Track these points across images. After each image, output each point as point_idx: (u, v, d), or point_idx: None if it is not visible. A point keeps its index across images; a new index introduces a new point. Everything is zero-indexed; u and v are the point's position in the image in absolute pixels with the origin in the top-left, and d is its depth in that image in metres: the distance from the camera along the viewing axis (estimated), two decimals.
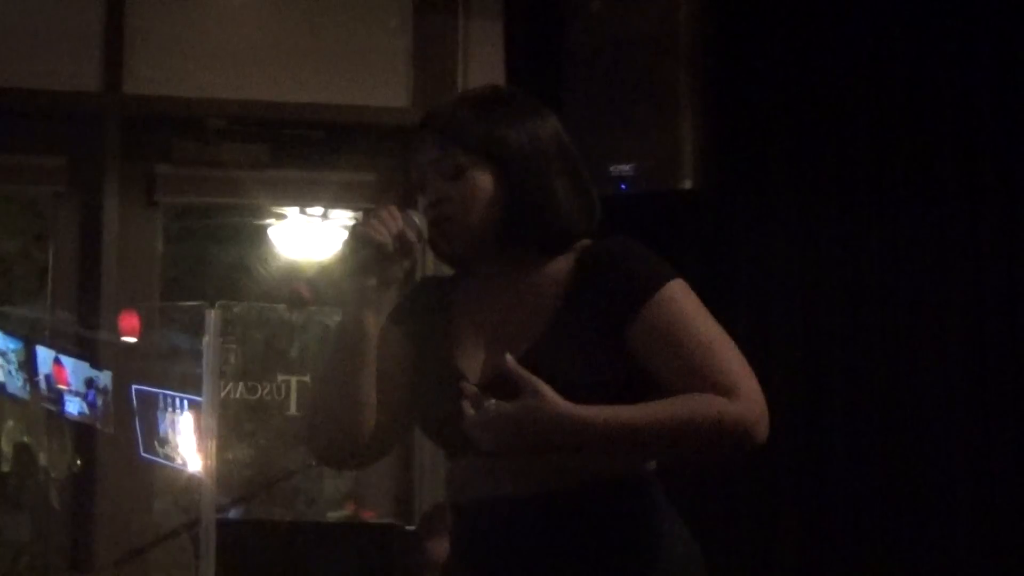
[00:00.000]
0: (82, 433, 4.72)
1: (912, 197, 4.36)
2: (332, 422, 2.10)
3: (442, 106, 2.18)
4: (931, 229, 4.34)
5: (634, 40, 4.35)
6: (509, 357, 1.92)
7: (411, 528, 4.37)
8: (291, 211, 5.65)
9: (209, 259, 7.03)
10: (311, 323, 5.23)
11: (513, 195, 2.09)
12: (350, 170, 4.99)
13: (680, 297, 2.03)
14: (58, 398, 4.58)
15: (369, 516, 4.75)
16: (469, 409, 1.92)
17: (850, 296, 4.43)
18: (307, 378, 5.04)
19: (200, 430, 4.19)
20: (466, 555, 2.09)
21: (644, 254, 2.06)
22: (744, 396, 1.96)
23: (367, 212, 4.99)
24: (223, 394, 4.81)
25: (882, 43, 4.44)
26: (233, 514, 4.70)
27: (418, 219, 2.09)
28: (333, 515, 5.36)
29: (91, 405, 4.55)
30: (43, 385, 4.57)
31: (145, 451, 4.50)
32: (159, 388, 4.51)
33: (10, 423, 5.90)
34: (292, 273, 5.99)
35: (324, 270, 2.07)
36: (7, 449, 5.97)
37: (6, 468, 5.90)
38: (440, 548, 3.94)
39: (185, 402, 4.31)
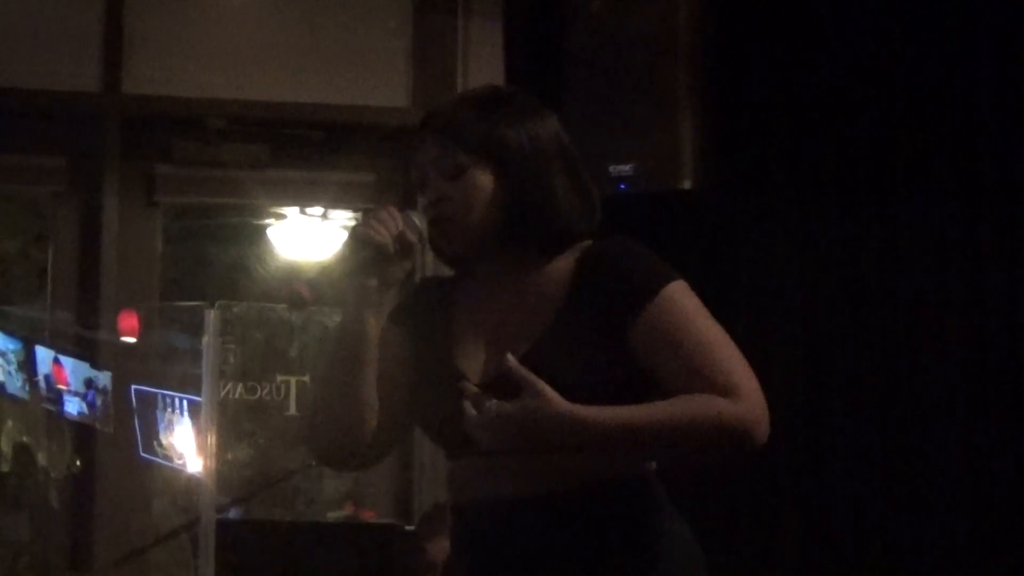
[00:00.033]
0: (81, 433, 4.72)
1: (912, 197, 4.36)
2: (333, 423, 2.10)
3: (442, 106, 2.17)
4: (931, 229, 4.34)
5: (634, 40, 4.35)
6: (510, 357, 1.92)
7: (410, 528, 4.37)
8: (291, 211, 5.66)
9: (209, 259, 7.03)
10: (311, 323, 5.22)
11: (513, 195, 2.09)
12: (350, 170, 4.99)
13: (681, 298, 2.03)
14: (57, 398, 4.58)
15: (368, 516, 4.75)
16: (470, 409, 1.92)
17: (850, 296, 4.43)
18: (307, 378, 5.04)
19: (199, 430, 4.20)
20: (467, 556, 2.08)
21: (645, 254, 2.06)
22: (745, 397, 1.96)
23: (367, 212, 4.99)
24: (222, 394, 4.81)
25: (882, 43, 4.44)
26: (232, 514, 4.70)
27: (418, 220, 2.09)
28: (332, 515, 5.35)
29: (90, 405, 4.55)
30: (42, 385, 4.57)
31: (144, 451, 4.50)
32: (158, 388, 4.51)
33: (9, 423, 5.90)
34: (292, 273, 5.99)
35: (324, 270, 2.07)
36: (6, 449, 5.97)
37: (5, 468, 5.89)
38: (439, 548, 3.95)
39: (184, 402, 4.31)
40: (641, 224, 4.17)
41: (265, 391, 5.25)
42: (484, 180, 2.09)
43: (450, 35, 4.90)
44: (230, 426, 5.05)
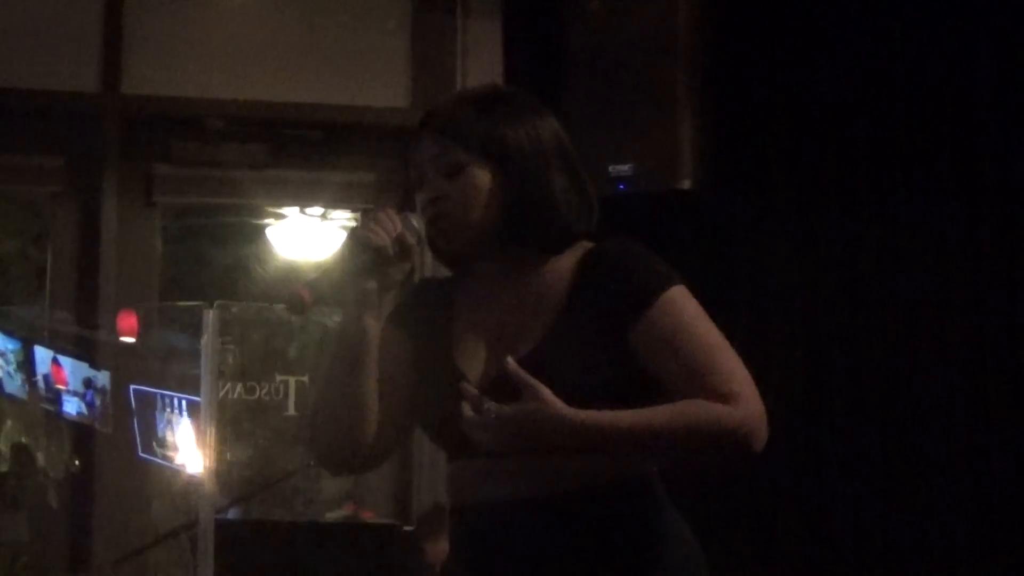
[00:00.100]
0: (80, 433, 4.72)
1: (911, 197, 4.37)
2: (333, 425, 2.09)
3: (441, 104, 2.17)
4: (930, 229, 4.34)
5: (633, 40, 4.35)
6: (510, 359, 1.92)
7: (409, 528, 4.36)
8: (291, 211, 5.65)
9: (208, 259, 7.03)
10: (310, 323, 5.23)
11: (511, 193, 2.08)
12: (349, 170, 4.98)
13: (682, 301, 2.03)
14: (56, 398, 4.58)
15: (368, 516, 4.75)
16: (469, 410, 1.92)
17: (849, 295, 4.43)
18: (306, 378, 5.04)
19: (198, 430, 4.19)
20: (466, 557, 2.08)
21: (647, 257, 2.06)
22: (744, 403, 1.96)
23: (366, 213, 4.99)
24: (221, 394, 4.80)
25: (881, 43, 4.44)
26: (231, 514, 4.70)
27: (416, 222, 2.09)
28: (331, 515, 5.34)
29: (89, 405, 4.54)
30: (41, 385, 4.57)
31: (143, 451, 4.50)
32: (157, 388, 4.51)
33: (8, 423, 5.91)
34: (291, 273, 5.99)
35: (324, 272, 2.06)
36: (5, 449, 5.97)
37: (4, 468, 5.90)
38: (437, 549, 3.94)
39: (184, 402, 4.31)
40: (640, 224, 4.16)
41: (264, 391, 5.24)
42: (483, 178, 2.09)
43: (449, 35, 4.90)
44: (229, 426, 5.05)
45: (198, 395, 4.19)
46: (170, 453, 4.40)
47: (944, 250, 4.31)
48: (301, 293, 2.00)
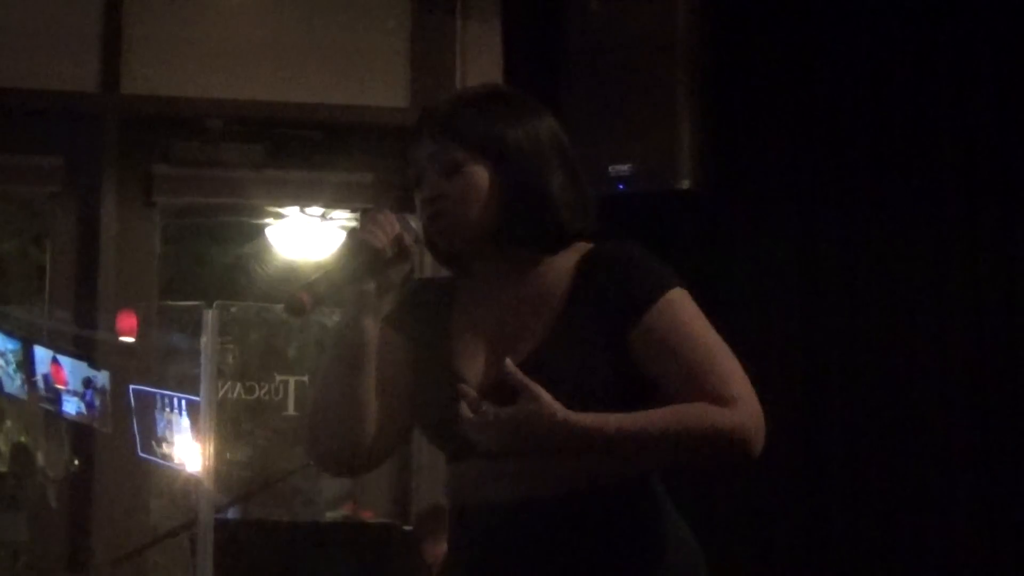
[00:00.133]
0: (80, 433, 4.72)
1: (910, 198, 4.37)
2: (332, 427, 2.09)
3: (440, 103, 2.17)
4: (930, 229, 4.34)
5: (632, 41, 4.35)
6: (508, 362, 1.92)
7: (408, 528, 4.36)
8: (291, 211, 5.65)
9: (207, 259, 7.03)
10: (309, 323, 5.23)
11: (509, 192, 2.08)
12: (348, 170, 4.98)
13: (681, 305, 2.03)
14: (56, 398, 4.58)
15: (367, 516, 4.75)
16: (467, 413, 1.92)
17: (848, 295, 4.43)
18: (305, 378, 5.04)
19: (198, 430, 4.19)
20: (465, 558, 2.08)
21: (646, 259, 2.06)
22: (741, 408, 1.96)
23: (365, 213, 4.99)
24: (221, 394, 4.81)
25: (881, 43, 4.44)
26: (231, 514, 4.70)
27: (414, 223, 2.09)
28: (331, 515, 5.35)
29: (89, 405, 4.55)
30: (41, 385, 4.57)
31: (143, 451, 4.50)
32: (157, 388, 4.51)
33: (8, 423, 5.91)
34: (291, 273, 5.99)
35: (324, 273, 2.05)
36: (4, 449, 5.97)
37: (4, 468, 5.90)
38: (435, 550, 3.94)
39: (183, 402, 4.31)
40: (640, 224, 4.18)
41: (263, 391, 5.25)
42: (481, 177, 2.08)
43: (449, 35, 4.90)
44: (229, 426, 5.06)
45: (197, 395, 4.19)
46: (169, 453, 4.40)
47: (943, 250, 4.31)
48: (301, 296, 1.99)
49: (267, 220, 5.87)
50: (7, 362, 4.57)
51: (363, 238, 2.04)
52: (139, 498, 4.82)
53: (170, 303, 5.28)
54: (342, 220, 5.61)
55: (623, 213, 4.09)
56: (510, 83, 4.33)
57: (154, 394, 4.46)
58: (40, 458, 5.30)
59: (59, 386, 4.56)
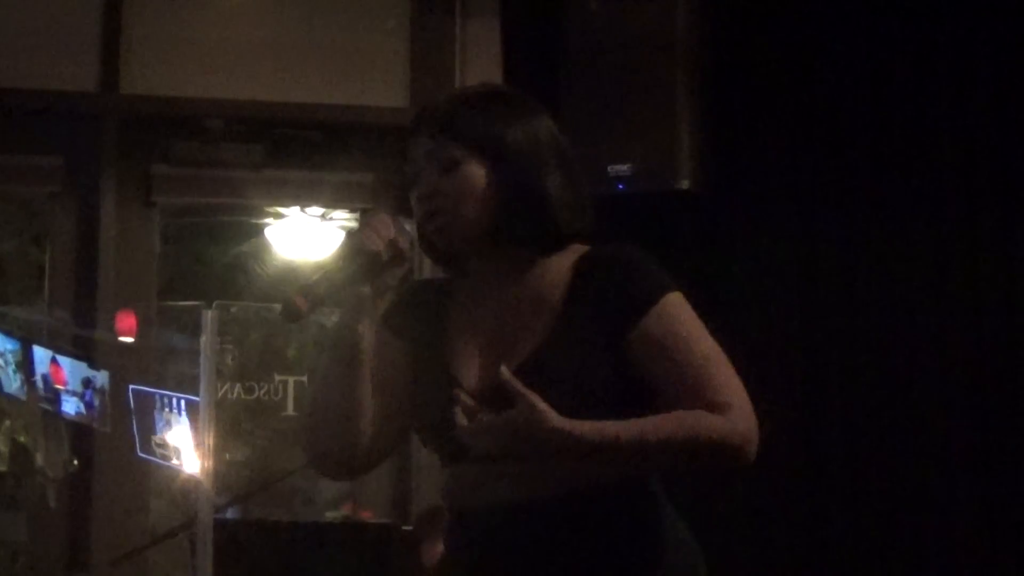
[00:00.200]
0: (79, 433, 4.72)
1: (910, 198, 4.37)
2: (328, 430, 2.08)
3: (438, 101, 2.17)
4: (929, 229, 4.34)
5: (632, 41, 4.35)
6: (504, 369, 1.92)
7: (408, 528, 4.36)
8: (291, 211, 5.65)
9: (207, 259, 7.03)
10: (308, 323, 5.22)
11: (506, 190, 2.08)
12: (348, 170, 4.98)
13: (678, 310, 2.03)
14: (55, 398, 4.57)
15: (366, 516, 4.75)
16: (462, 419, 1.91)
17: (847, 295, 4.43)
18: (304, 378, 5.04)
19: (197, 430, 4.19)
20: (463, 560, 2.08)
21: (643, 263, 2.06)
22: (736, 414, 1.97)
23: (364, 213, 4.99)
24: (220, 394, 4.81)
25: (881, 43, 4.44)
26: (230, 514, 4.70)
27: (409, 227, 2.09)
28: (330, 515, 5.35)
29: (88, 405, 4.54)
30: (40, 385, 4.56)
31: (142, 451, 4.49)
32: (156, 388, 4.50)
33: (7, 423, 5.90)
34: (290, 273, 5.98)
35: (321, 276, 2.05)
36: (4, 449, 5.97)
37: (3, 468, 5.89)
38: (432, 551, 3.94)
39: (182, 402, 4.30)
40: (639, 224, 4.18)
41: (263, 391, 5.25)
42: (477, 175, 2.08)
43: (448, 35, 4.90)
44: (228, 426, 5.05)
45: (197, 395, 4.18)
46: (169, 453, 4.39)
47: (943, 250, 4.31)
48: (297, 301, 1.99)
49: (267, 220, 5.87)
50: (6, 362, 4.56)
51: (359, 242, 2.04)
52: (139, 498, 4.82)
53: (170, 303, 5.28)
54: (342, 220, 5.61)
55: (623, 213, 4.09)
56: (509, 83, 4.34)
57: (153, 394, 4.45)
58: (39, 458, 5.29)
59: (58, 386, 4.55)
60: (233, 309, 4.82)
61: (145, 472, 4.73)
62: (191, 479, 4.27)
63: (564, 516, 2.00)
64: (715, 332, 2.07)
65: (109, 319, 4.66)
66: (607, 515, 2.01)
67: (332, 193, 5.10)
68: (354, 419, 2.07)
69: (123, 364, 4.60)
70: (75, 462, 4.77)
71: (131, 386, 4.51)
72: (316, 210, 5.56)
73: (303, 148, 4.94)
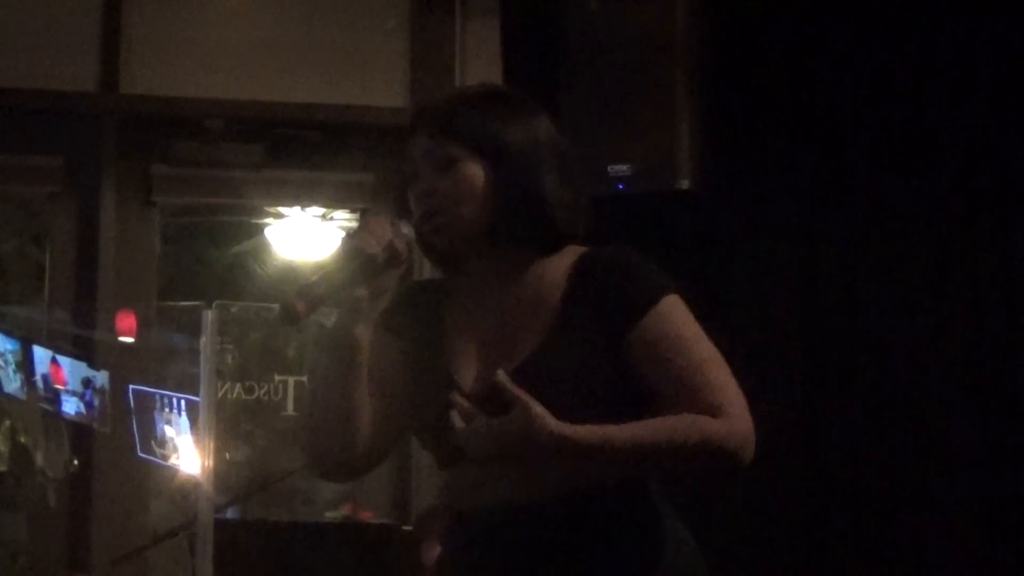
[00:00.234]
0: (79, 433, 4.72)
1: (910, 198, 4.36)
2: (326, 433, 2.08)
3: (437, 100, 2.18)
4: (929, 229, 4.34)
5: (632, 40, 4.35)
6: (501, 373, 1.91)
7: (408, 528, 4.36)
8: (291, 211, 5.65)
9: (206, 259, 7.03)
10: (308, 323, 5.21)
11: (504, 190, 2.08)
12: (347, 170, 4.98)
13: (675, 313, 2.03)
14: (55, 398, 4.57)
15: (366, 516, 4.75)
16: (459, 421, 1.91)
17: (847, 295, 4.43)
18: (304, 378, 5.03)
19: (197, 430, 4.19)
20: (462, 561, 2.08)
21: (641, 265, 2.06)
22: (733, 417, 1.97)
23: (364, 213, 4.99)
24: (220, 394, 4.81)
25: (880, 44, 4.44)
26: (230, 514, 4.70)
27: (406, 229, 2.09)
28: (330, 515, 5.34)
29: (88, 405, 4.54)
30: (40, 385, 4.56)
31: (142, 451, 4.49)
32: (156, 388, 4.51)
33: (7, 423, 5.90)
34: (289, 273, 5.99)
35: (319, 277, 2.04)
36: (4, 449, 5.97)
37: (3, 468, 5.89)
38: (433, 550, 3.93)
39: (182, 402, 4.30)
40: (639, 224, 4.18)
41: (263, 391, 5.25)
42: (475, 173, 2.08)
43: (448, 35, 4.90)
44: (228, 426, 5.05)
45: (197, 395, 4.19)
46: (168, 453, 4.39)
47: (943, 250, 4.31)
48: (295, 304, 1.98)
49: (267, 220, 5.87)
50: (6, 362, 4.56)
51: (355, 244, 2.04)
52: (139, 498, 4.82)
53: (169, 303, 5.28)
54: (342, 220, 5.61)
55: (623, 213, 4.10)
56: (509, 83, 4.34)
57: (153, 394, 4.45)
58: (39, 458, 5.29)
59: (58, 386, 4.56)
60: (233, 309, 4.82)
61: (145, 472, 4.73)
62: (191, 479, 4.27)
63: (564, 516, 2.00)
64: (715, 332, 2.07)
65: (109, 319, 4.66)
66: (607, 515, 2.01)
67: (332, 193, 5.10)
68: (352, 420, 2.07)
69: (123, 364, 4.60)
70: (75, 462, 4.77)
71: (131, 386, 4.51)
72: (316, 210, 5.56)
73: (303, 148, 4.94)
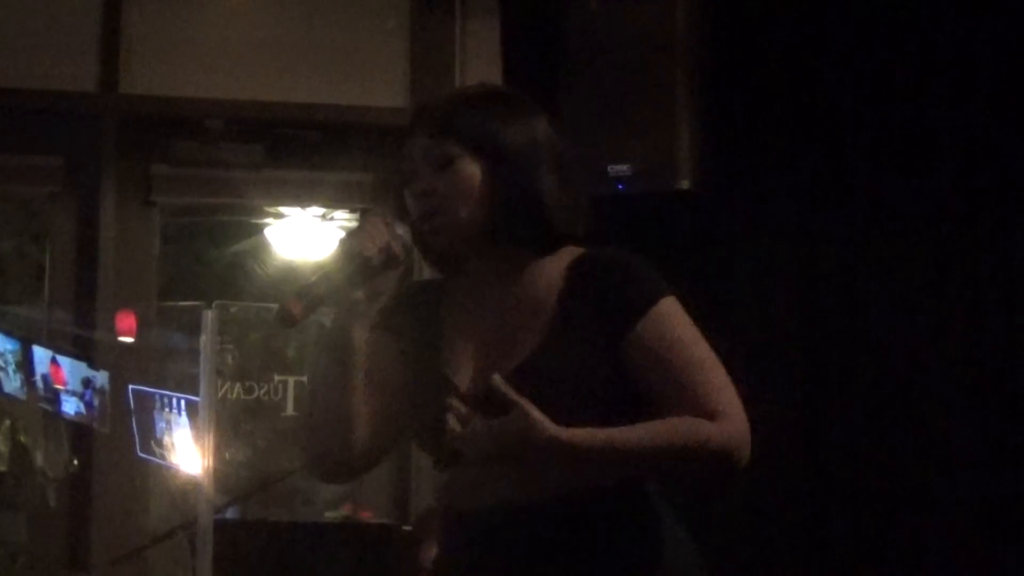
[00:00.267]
0: (79, 433, 4.72)
1: (910, 198, 4.36)
2: (323, 434, 2.08)
3: (436, 100, 2.18)
4: (929, 229, 4.34)
5: (631, 40, 4.35)
6: (497, 376, 1.91)
7: (408, 528, 4.36)
8: (291, 211, 5.65)
9: (206, 259, 7.03)
10: (309, 323, 5.21)
11: (502, 189, 2.08)
12: (347, 170, 4.98)
13: (672, 315, 2.04)
14: (55, 398, 4.58)
15: (366, 516, 4.75)
16: (455, 424, 1.91)
17: (847, 296, 4.43)
18: (304, 378, 5.03)
19: (197, 430, 4.19)
20: (459, 561, 2.08)
21: (637, 267, 2.06)
22: (729, 420, 1.98)
23: (364, 213, 4.99)
24: (220, 394, 4.81)
25: (880, 44, 4.44)
26: (230, 514, 4.70)
27: (403, 231, 2.09)
28: (330, 515, 5.34)
29: (88, 405, 4.54)
30: (40, 385, 4.56)
31: (142, 451, 4.49)
32: (156, 388, 4.51)
33: (7, 423, 5.90)
34: (289, 273, 5.98)
35: (318, 278, 2.04)
36: (3, 449, 5.97)
37: (3, 468, 5.89)
38: (429, 551, 3.94)
39: (182, 402, 4.30)
40: (639, 224, 4.19)
41: (263, 391, 5.25)
42: (473, 173, 2.08)
43: (448, 35, 4.90)
44: (228, 426, 5.05)
45: (197, 395, 4.19)
46: (168, 453, 4.40)
47: (943, 250, 4.31)
48: (291, 308, 1.98)
49: (267, 220, 5.87)
50: (6, 362, 4.57)
51: (352, 246, 2.04)
52: (138, 498, 4.82)
53: (169, 303, 5.28)
54: (342, 220, 5.60)
55: (623, 213, 4.10)
56: (509, 83, 4.34)
57: (153, 394, 4.46)
58: (39, 458, 5.29)
59: (58, 386, 4.56)
60: (233, 309, 4.82)
61: (145, 472, 4.73)
62: (191, 479, 4.27)
63: (563, 517, 2.00)
64: (715, 332, 2.07)
65: (109, 319, 4.66)
66: (606, 516, 2.01)
67: (332, 193, 5.10)
68: (350, 420, 2.06)
69: (123, 364, 4.61)
70: (75, 462, 4.77)
71: (131, 386, 4.52)
72: (316, 210, 5.56)
73: (303, 148, 4.94)
